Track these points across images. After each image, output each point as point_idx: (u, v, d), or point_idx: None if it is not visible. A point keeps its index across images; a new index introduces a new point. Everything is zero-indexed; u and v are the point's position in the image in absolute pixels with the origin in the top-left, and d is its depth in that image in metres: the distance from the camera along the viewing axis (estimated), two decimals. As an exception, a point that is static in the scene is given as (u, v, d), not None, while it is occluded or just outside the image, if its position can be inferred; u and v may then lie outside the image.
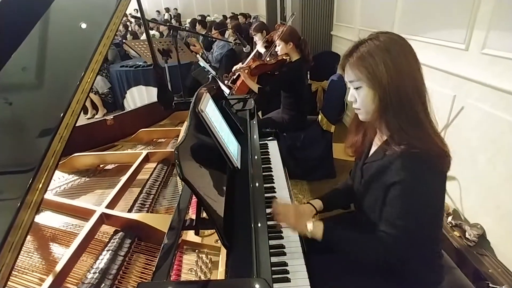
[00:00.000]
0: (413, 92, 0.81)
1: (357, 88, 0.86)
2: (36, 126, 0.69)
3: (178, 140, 0.74)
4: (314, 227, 0.92)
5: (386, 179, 0.85)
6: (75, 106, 0.70)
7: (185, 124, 1.55)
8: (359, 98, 0.87)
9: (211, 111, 1.01)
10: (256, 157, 1.19)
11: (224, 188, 0.89)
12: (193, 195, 0.96)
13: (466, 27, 1.59)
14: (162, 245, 0.75)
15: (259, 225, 0.86)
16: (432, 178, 0.81)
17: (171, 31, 2.31)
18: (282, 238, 1.03)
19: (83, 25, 0.95)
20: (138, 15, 1.45)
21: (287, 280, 0.85)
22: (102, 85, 4.57)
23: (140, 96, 4.35)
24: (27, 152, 0.64)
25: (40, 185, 0.60)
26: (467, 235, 1.54)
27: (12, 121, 0.72)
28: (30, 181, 0.57)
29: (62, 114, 0.67)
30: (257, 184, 1.03)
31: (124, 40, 5.30)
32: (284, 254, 0.94)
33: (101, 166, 1.34)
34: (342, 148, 2.98)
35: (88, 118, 4.63)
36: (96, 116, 4.64)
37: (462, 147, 1.64)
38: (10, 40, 0.84)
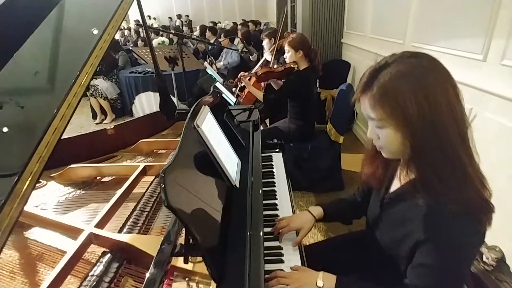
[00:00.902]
0: (453, 129, 0.64)
1: (379, 127, 0.70)
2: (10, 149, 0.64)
3: (169, 161, 0.68)
4: (325, 282, 0.81)
5: (413, 231, 0.73)
6: (58, 123, 0.65)
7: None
8: (383, 137, 0.71)
9: (209, 126, 0.95)
10: (257, 173, 1.13)
11: (220, 210, 0.82)
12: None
13: (484, 36, 1.51)
14: (148, 272, 0.69)
15: (255, 249, 0.80)
16: (470, 237, 0.67)
17: (177, 39, 2.28)
18: (282, 262, 0.97)
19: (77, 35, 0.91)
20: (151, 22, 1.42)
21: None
22: (111, 90, 4.60)
23: (148, 102, 4.36)
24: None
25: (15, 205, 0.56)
26: (484, 259, 1.43)
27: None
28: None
29: (42, 132, 0.62)
30: (256, 203, 0.96)
31: (131, 47, 5.35)
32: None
33: (97, 178, 1.29)
34: (351, 159, 2.91)
35: (97, 123, 4.65)
36: (104, 121, 4.67)
37: (479, 163, 1.53)
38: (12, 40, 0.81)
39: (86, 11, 0.98)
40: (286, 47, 2.29)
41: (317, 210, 1.07)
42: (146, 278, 0.68)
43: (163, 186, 0.58)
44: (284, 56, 2.37)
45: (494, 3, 1.43)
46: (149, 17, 12.23)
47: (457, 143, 0.65)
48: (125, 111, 4.75)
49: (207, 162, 0.89)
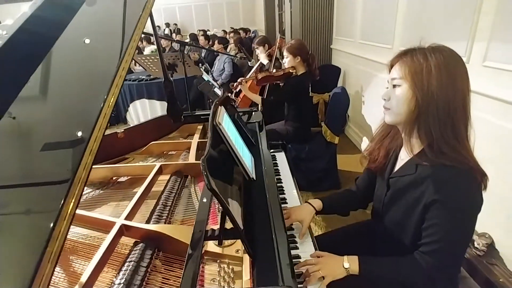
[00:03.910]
0: (461, 108, 0.79)
1: (395, 87, 0.84)
2: (65, 141, 0.70)
3: (205, 152, 0.76)
4: (350, 263, 0.90)
5: (423, 195, 0.83)
6: (102, 121, 0.72)
7: (195, 136, 1.58)
8: (394, 96, 0.84)
9: (226, 124, 1.03)
10: (268, 168, 1.21)
11: (242, 198, 0.90)
12: (211, 207, 0.99)
13: (467, 39, 1.64)
14: (186, 256, 0.76)
15: (279, 234, 0.88)
16: (475, 194, 0.79)
17: (179, 46, 2.36)
18: (297, 248, 1.05)
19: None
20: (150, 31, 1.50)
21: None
22: (105, 98, 4.60)
23: (143, 110, 4.38)
24: (59, 165, 0.66)
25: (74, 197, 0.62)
26: (475, 245, 1.55)
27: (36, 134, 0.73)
28: (66, 193, 0.59)
29: (91, 128, 0.69)
30: (272, 195, 1.04)
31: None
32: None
33: (113, 178, 1.35)
34: (346, 160, 3.02)
35: (91, 132, 4.64)
36: (98, 130, 4.66)
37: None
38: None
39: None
40: (285, 53, 2.41)
41: (317, 202, 1.16)
42: (185, 262, 0.74)
43: (205, 172, 0.66)
44: (283, 61, 2.48)
45: (476, 10, 1.56)
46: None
47: (461, 119, 0.79)
48: (119, 118, 4.75)
49: (228, 157, 0.97)
